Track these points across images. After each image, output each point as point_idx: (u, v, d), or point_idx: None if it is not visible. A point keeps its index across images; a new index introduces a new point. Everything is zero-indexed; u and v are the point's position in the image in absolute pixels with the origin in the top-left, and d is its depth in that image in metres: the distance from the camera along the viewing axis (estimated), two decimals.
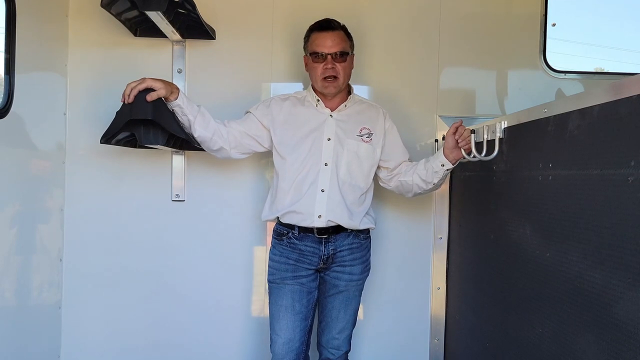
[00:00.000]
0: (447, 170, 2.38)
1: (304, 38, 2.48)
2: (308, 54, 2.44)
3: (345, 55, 2.38)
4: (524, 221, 1.97)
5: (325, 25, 2.39)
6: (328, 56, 2.35)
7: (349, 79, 2.45)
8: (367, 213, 2.48)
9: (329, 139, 2.40)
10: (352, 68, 2.46)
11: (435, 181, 2.41)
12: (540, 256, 1.81)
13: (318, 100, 2.45)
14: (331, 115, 2.43)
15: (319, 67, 2.36)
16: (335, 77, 2.36)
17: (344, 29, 2.43)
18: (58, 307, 2.82)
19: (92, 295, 2.86)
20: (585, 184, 1.56)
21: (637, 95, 1.31)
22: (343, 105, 2.45)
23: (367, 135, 2.44)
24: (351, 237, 2.42)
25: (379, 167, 2.50)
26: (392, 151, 2.50)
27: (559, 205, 1.71)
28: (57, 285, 2.81)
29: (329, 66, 2.34)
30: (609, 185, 1.44)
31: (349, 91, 2.50)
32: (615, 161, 1.42)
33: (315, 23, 2.42)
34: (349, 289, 2.47)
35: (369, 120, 2.46)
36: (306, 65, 2.48)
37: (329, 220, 2.36)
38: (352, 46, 2.46)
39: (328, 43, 2.35)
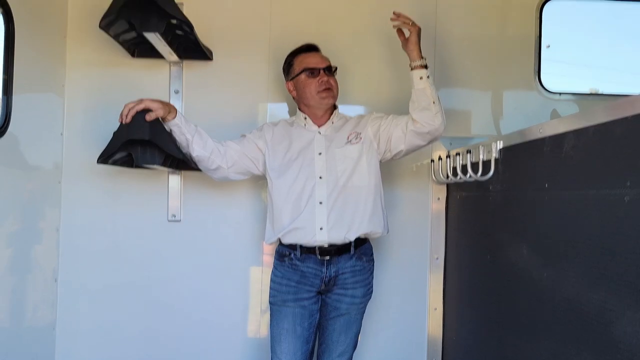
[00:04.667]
0: (419, 73, 2.32)
1: (286, 65, 2.56)
2: (297, 75, 2.48)
3: (334, 70, 2.50)
4: (520, 241, 1.97)
5: (311, 47, 2.53)
6: (321, 70, 2.44)
7: (338, 95, 2.51)
8: (373, 216, 2.41)
9: (320, 153, 2.42)
10: None
11: (421, 97, 2.32)
12: (537, 276, 1.81)
13: (305, 118, 2.49)
14: (319, 132, 2.46)
15: (314, 82, 2.43)
16: (330, 89, 2.44)
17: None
18: (52, 328, 2.79)
19: (87, 317, 2.84)
20: (582, 204, 1.56)
21: (632, 116, 1.32)
22: (330, 121, 2.49)
23: (355, 137, 2.44)
24: (354, 259, 2.41)
25: (394, 151, 2.44)
26: (391, 131, 2.42)
27: (555, 226, 1.71)
28: (52, 306, 2.79)
29: (325, 79, 2.43)
30: (605, 205, 1.44)
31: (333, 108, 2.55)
32: (611, 181, 1.43)
33: (298, 48, 2.54)
34: (350, 312, 2.45)
35: (355, 126, 2.48)
36: (291, 90, 2.54)
37: (330, 232, 2.34)
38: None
39: (318, 60, 2.48)
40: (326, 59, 2.50)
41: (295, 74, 2.49)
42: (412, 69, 2.35)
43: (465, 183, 2.51)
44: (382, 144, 2.44)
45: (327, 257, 2.37)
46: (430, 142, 2.45)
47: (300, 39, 2.57)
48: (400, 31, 2.41)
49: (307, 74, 2.44)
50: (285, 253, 2.43)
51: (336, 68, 2.51)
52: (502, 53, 3.01)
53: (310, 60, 2.47)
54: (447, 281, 2.92)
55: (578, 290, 1.56)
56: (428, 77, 2.32)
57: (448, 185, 2.91)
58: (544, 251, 1.78)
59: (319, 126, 2.48)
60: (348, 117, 2.55)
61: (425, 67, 2.33)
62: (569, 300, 1.61)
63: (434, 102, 2.31)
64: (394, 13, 2.37)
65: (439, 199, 2.95)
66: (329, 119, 2.50)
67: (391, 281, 2.93)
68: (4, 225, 2.37)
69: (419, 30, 2.36)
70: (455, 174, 2.53)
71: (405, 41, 2.39)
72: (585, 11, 3.31)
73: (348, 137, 2.44)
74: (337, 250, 2.38)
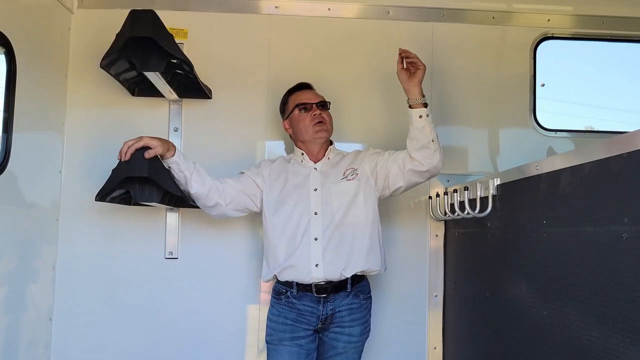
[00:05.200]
0: (419, 111, 2.28)
1: (281, 105, 2.61)
2: (291, 112, 2.52)
3: (327, 105, 2.53)
4: (519, 278, 1.97)
5: (304, 85, 2.58)
6: (313, 105, 2.47)
7: (332, 130, 2.53)
8: (370, 253, 2.39)
9: (315, 189, 2.42)
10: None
11: (420, 135, 2.29)
12: (537, 314, 1.80)
13: (302, 154, 2.51)
14: (315, 168, 2.48)
15: (307, 116, 2.47)
16: (323, 123, 2.46)
17: None
18: None
19: (81, 357, 2.79)
20: (580, 241, 1.56)
21: (628, 152, 1.34)
22: (326, 157, 2.51)
23: (351, 173, 2.44)
24: (350, 297, 2.39)
25: (393, 188, 2.44)
26: (389, 169, 2.42)
27: (554, 263, 1.71)
28: (46, 346, 2.74)
29: (317, 113, 2.46)
30: (603, 242, 1.44)
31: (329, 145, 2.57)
32: (608, 218, 1.43)
33: (292, 87, 2.59)
34: (347, 350, 2.41)
35: (351, 162, 2.49)
36: (287, 128, 2.57)
37: (326, 269, 2.32)
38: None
39: (311, 96, 2.52)
40: (319, 95, 2.54)
41: (289, 111, 2.53)
42: (411, 107, 2.32)
43: (463, 220, 2.51)
44: (379, 180, 2.44)
45: (324, 295, 2.36)
46: (429, 179, 2.46)
47: (298, 78, 2.61)
48: (401, 63, 2.37)
49: (301, 109, 2.48)
50: (282, 291, 2.41)
51: (329, 103, 2.54)
52: (498, 91, 3.05)
53: (303, 97, 2.51)
54: (446, 319, 2.89)
55: (579, 328, 1.55)
56: (428, 115, 2.30)
57: (446, 222, 2.91)
58: (543, 288, 1.78)
59: (315, 162, 2.50)
60: (345, 153, 2.56)
61: (425, 105, 2.31)
62: (570, 338, 1.59)
63: (432, 141, 2.30)
64: (400, 51, 2.35)
65: (437, 235, 2.94)
66: (325, 154, 2.51)
67: (389, 319, 2.90)
68: (0, 263, 2.35)
69: (425, 68, 2.33)
70: (453, 210, 2.54)
71: (405, 74, 2.34)
72: (578, 51, 3.37)
73: (344, 173, 2.45)
74: (333, 288, 2.36)
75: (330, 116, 2.52)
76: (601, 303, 1.44)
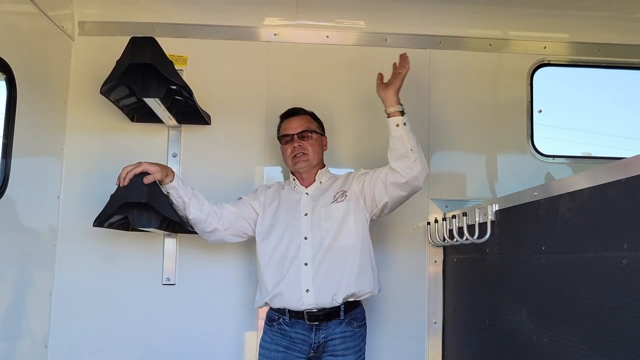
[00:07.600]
0: (396, 120, 2.25)
1: (277, 129, 2.61)
2: (279, 142, 2.57)
3: (310, 133, 2.49)
4: (519, 305, 1.95)
5: (291, 112, 2.57)
6: (294, 136, 2.47)
7: (320, 157, 2.53)
8: (361, 275, 2.36)
9: (305, 214, 2.42)
10: (323, 148, 2.57)
11: (398, 144, 2.25)
12: (538, 341, 1.78)
13: (294, 180, 2.52)
14: (307, 193, 2.48)
15: (288, 148, 2.48)
16: (303, 154, 2.45)
17: (311, 114, 2.58)
18: None
19: None
20: (580, 267, 1.55)
21: (626, 178, 1.34)
22: (317, 182, 2.51)
23: (341, 195, 2.43)
24: (344, 324, 2.36)
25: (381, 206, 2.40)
26: (374, 185, 2.39)
27: (554, 289, 1.70)
28: None
29: (296, 144, 2.46)
30: (603, 268, 1.44)
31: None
32: (608, 244, 1.43)
33: (282, 114, 2.60)
34: None
35: (342, 185, 2.48)
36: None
37: (317, 295, 2.30)
38: (320, 127, 2.58)
39: (293, 125, 2.50)
40: (303, 123, 2.51)
41: (278, 140, 2.57)
42: (388, 116, 2.28)
43: (462, 245, 2.50)
44: (368, 199, 2.41)
45: (316, 323, 2.33)
46: (413, 192, 2.37)
47: (296, 104, 2.63)
48: (380, 75, 2.38)
49: (283, 141, 2.51)
50: (274, 317, 2.39)
51: (313, 130, 2.51)
52: (495, 117, 3.07)
53: (285, 127, 2.52)
54: (445, 346, 2.87)
55: (579, 356, 1.53)
56: (405, 124, 2.25)
57: (445, 248, 2.90)
58: (543, 315, 1.76)
59: (306, 187, 2.50)
60: (337, 176, 2.56)
61: (402, 113, 2.27)
62: None
63: (411, 150, 2.24)
64: (401, 56, 2.36)
65: (435, 261, 2.93)
66: (315, 179, 2.52)
67: (387, 347, 2.87)
68: None
69: (403, 77, 2.32)
70: (451, 236, 2.53)
71: (383, 85, 2.34)
72: (574, 77, 3.40)
73: (334, 196, 2.44)
74: (326, 315, 2.33)
75: (314, 144, 2.49)
76: (602, 329, 1.43)
